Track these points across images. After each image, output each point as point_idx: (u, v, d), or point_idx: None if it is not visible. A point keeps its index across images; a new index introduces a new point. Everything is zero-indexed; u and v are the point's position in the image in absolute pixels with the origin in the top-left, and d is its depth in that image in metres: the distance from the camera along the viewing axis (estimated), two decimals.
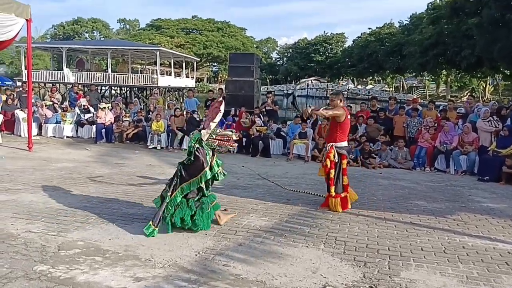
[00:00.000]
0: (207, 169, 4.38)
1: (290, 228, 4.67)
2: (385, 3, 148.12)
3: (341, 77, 73.61)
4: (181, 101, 33.26)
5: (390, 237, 4.47)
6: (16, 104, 12.31)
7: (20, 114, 11.68)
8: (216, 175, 4.52)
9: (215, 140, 4.53)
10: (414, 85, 65.63)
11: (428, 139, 8.95)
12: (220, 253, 3.86)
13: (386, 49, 49.18)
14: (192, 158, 4.42)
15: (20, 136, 11.41)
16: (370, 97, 19.55)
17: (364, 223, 4.94)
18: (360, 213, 5.39)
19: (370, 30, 58.26)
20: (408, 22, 48.21)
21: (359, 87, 68.69)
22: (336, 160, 5.31)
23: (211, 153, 4.49)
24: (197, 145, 4.43)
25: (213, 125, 4.50)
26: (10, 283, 3.10)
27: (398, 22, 52.39)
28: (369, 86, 68.59)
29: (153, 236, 4.22)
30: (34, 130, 11.27)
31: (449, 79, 47.12)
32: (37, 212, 4.87)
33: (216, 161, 4.56)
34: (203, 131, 4.54)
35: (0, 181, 6.28)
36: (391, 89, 64.10)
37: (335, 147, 5.33)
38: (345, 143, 5.50)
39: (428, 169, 8.83)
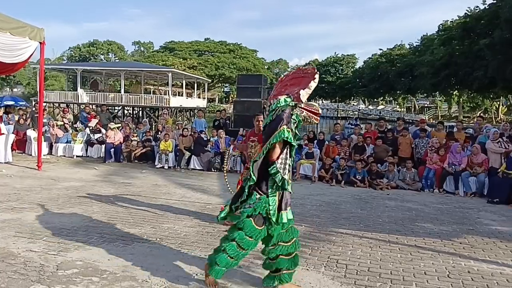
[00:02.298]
0: (284, 127, 3.29)
1: None
2: (396, 25, 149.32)
3: (352, 98, 73.65)
4: (192, 121, 33.58)
5: (393, 261, 4.37)
6: (29, 124, 12.56)
7: (32, 134, 11.89)
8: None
9: (302, 110, 3.53)
10: (426, 105, 65.36)
11: (437, 161, 8.83)
12: None
13: (397, 70, 49.12)
14: (273, 117, 3.42)
15: (31, 155, 11.59)
16: (378, 117, 19.56)
17: (368, 246, 4.85)
18: (364, 235, 5.30)
19: (381, 51, 58.47)
20: (418, 43, 48.25)
21: (370, 107, 68.65)
22: None
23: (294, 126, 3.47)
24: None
25: (306, 93, 3.44)
26: None
27: (409, 44, 52.50)
28: (381, 107, 68.51)
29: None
30: (45, 150, 11.46)
31: (461, 99, 46.78)
32: (40, 231, 4.90)
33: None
34: (299, 94, 3.44)
35: (7, 200, 6.36)
36: (402, 109, 63.87)
37: None
38: None
39: (437, 190, 8.69)
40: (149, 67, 40.02)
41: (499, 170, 8.17)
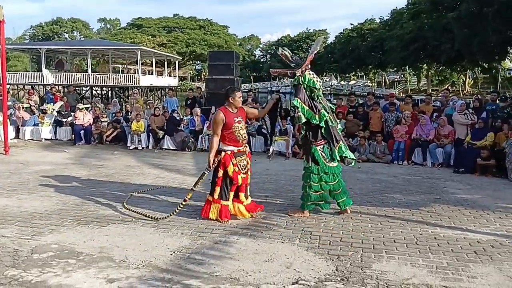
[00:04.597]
0: None
1: (267, 224, 4.71)
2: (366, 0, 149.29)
3: (324, 73, 74.09)
4: (163, 100, 33.06)
5: (364, 231, 4.55)
6: None
7: None
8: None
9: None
10: (396, 80, 66.49)
11: (402, 134, 9.08)
12: (196, 252, 3.88)
13: (368, 45, 49.54)
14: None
15: None
16: (349, 93, 19.84)
17: (340, 218, 5.01)
18: (336, 207, 5.44)
19: (352, 26, 58.72)
20: (389, 18, 48.66)
21: (342, 82, 69.23)
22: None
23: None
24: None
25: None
26: None
27: (379, 18, 52.86)
28: (352, 82, 69.22)
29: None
30: (11, 133, 11.08)
31: (429, 73, 47.84)
32: (11, 216, 4.82)
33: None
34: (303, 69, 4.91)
35: None
36: (373, 84, 64.78)
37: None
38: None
39: (406, 162, 8.98)
40: (117, 45, 38.86)
41: (465, 141, 8.50)
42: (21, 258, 3.63)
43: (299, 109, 4.81)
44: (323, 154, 4.93)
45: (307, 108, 4.83)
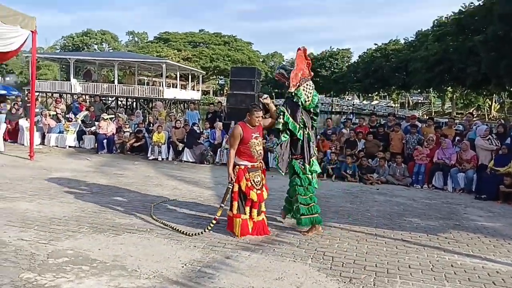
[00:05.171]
0: None
1: (280, 242, 4.69)
2: (391, 20, 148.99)
3: (347, 92, 73.82)
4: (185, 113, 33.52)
5: (378, 254, 4.47)
6: (21, 114, 12.50)
7: (24, 124, 11.83)
8: None
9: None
10: (419, 101, 65.67)
11: (423, 157, 8.93)
12: (207, 266, 3.89)
13: (392, 65, 49.28)
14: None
15: (23, 145, 11.54)
16: (370, 113, 19.72)
17: (355, 239, 4.94)
18: (352, 229, 5.40)
19: (376, 46, 58.56)
20: (414, 39, 48.36)
21: (365, 102, 68.83)
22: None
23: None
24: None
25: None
26: None
27: (404, 38, 52.59)
28: (375, 102, 68.72)
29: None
30: (37, 140, 11.43)
31: (454, 96, 47.08)
32: (31, 220, 4.94)
33: None
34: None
35: None
36: (396, 105, 64.13)
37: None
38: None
39: (426, 186, 8.81)
40: (143, 58, 39.81)
41: (488, 167, 8.30)
42: (37, 262, 3.72)
43: (283, 116, 4.97)
44: (302, 167, 5.04)
45: (292, 120, 4.98)
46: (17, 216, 5.04)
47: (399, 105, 64.40)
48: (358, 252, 4.50)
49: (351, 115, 43.21)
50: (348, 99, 73.45)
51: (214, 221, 4.81)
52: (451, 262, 4.33)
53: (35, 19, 8.77)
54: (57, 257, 3.86)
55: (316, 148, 5.43)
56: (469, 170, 8.46)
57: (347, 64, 69.07)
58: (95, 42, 77.93)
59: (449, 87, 42.22)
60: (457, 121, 13.61)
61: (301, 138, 5.01)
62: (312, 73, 5.39)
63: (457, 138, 9.42)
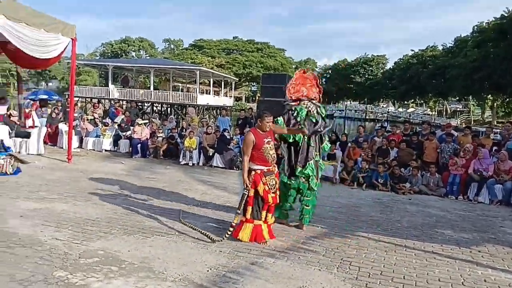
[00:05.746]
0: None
1: (305, 250, 4.66)
2: (428, 25, 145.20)
3: (381, 99, 72.47)
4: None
5: (407, 266, 4.36)
6: (61, 118, 13.05)
7: (64, 127, 12.34)
8: None
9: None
10: (458, 109, 63.54)
11: (459, 167, 8.63)
12: (232, 271, 3.92)
13: (429, 72, 47.98)
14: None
15: (62, 148, 12.02)
16: (404, 120, 19.20)
17: (383, 250, 4.85)
18: (380, 239, 5.29)
19: (413, 52, 57.26)
20: (452, 45, 46.94)
21: (400, 109, 67.27)
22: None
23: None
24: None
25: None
26: (30, 286, 3.31)
27: (442, 45, 51.12)
28: (411, 109, 67.05)
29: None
30: (75, 143, 11.89)
31: (495, 104, 45.22)
32: (66, 221, 5.15)
33: None
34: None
35: (37, 190, 6.68)
36: (433, 113, 62.31)
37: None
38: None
39: (461, 197, 8.51)
40: (178, 65, 40.65)
41: None
42: (69, 261, 3.88)
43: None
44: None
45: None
46: (53, 217, 5.28)
47: (436, 113, 62.53)
48: (386, 263, 4.41)
49: (385, 122, 42.29)
50: (382, 107, 72.10)
51: (231, 228, 4.83)
52: (484, 277, 4.17)
53: (75, 27, 9.16)
54: (88, 257, 4.01)
55: (318, 153, 5.57)
56: (507, 181, 8.10)
57: (382, 71, 67.92)
58: (133, 49, 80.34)
59: (489, 95, 40.63)
60: (497, 130, 13.02)
61: (300, 142, 5.39)
62: (319, 98, 5.77)
63: (495, 148, 9.04)
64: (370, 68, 68.37)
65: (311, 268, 4.12)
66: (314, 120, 5.45)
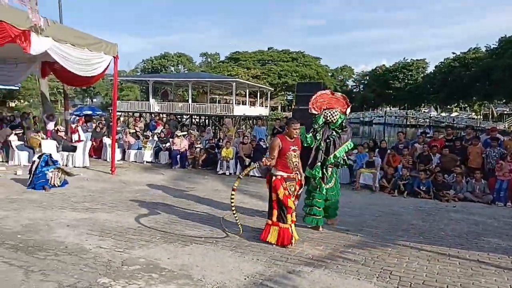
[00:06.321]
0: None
1: (344, 259, 4.59)
2: (468, 27, 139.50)
3: (423, 104, 70.30)
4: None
5: (451, 275, 4.19)
6: (104, 132, 13.63)
7: (107, 141, 12.88)
8: None
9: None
10: (505, 112, 60.46)
11: (506, 172, 8.21)
12: (268, 279, 3.93)
13: (472, 75, 46.17)
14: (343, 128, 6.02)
15: (106, 160, 12.53)
16: (445, 125, 18.40)
17: (425, 259, 4.69)
18: (423, 247, 5.12)
19: (454, 55, 55.36)
20: (496, 46, 44.96)
21: (443, 114, 64.87)
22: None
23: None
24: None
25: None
26: None
27: (485, 46, 49.08)
28: (454, 114, 64.53)
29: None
30: (118, 156, 12.36)
31: None
32: (109, 230, 5.36)
33: None
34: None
35: (82, 201, 7.00)
36: (479, 117, 59.66)
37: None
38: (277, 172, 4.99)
39: (510, 204, 8.08)
40: (214, 78, 41.44)
41: None
42: (112, 268, 4.03)
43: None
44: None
45: (309, 135, 5.85)
46: (97, 226, 5.50)
47: (482, 117, 59.82)
48: (428, 272, 4.26)
49: (428, 128, 40.88)
50: (424, 112, 69.88)
51: (233, 192, 5.07)
52: None
53: (117, 45, 9.60)
54: (130, 265, 4.14)
55: (329, 157, 5.79)
56: None
57: (422, 75, 66.05)
58: (171, 64, 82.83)
59: None
60: None
61: (312, 146, 5.80)
62: (346, 110, 6.16)
63: None
64: (410, 73, 66.73)
65: (350, 277, 4.05)
66: (329, 128, 5.93)
